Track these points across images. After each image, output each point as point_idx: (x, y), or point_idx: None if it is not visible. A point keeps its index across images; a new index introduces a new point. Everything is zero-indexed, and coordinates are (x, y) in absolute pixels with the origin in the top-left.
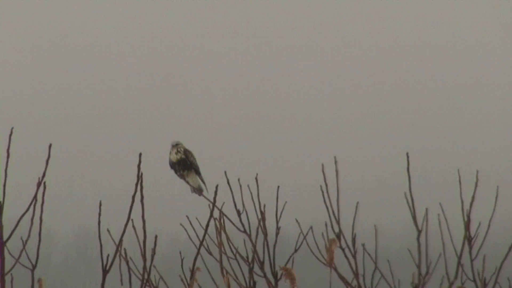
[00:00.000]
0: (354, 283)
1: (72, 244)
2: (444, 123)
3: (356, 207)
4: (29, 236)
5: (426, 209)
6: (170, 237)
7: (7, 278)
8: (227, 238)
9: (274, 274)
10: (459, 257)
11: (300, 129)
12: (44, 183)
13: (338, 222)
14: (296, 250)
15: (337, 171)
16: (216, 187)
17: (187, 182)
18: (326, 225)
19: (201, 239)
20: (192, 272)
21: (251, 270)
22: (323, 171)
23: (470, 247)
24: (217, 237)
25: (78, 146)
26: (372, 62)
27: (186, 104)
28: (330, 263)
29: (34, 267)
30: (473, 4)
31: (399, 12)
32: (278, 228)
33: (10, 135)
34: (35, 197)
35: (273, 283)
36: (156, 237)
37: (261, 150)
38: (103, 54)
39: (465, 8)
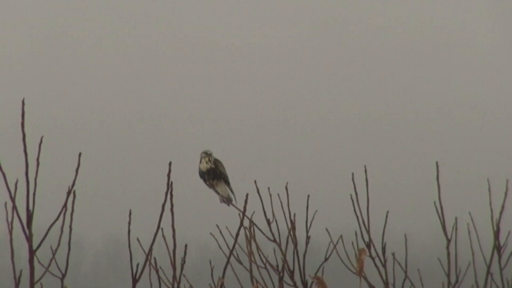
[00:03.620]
0: None
1: (102, 252)
2: (474, 132)
3: (386, 216)
4: (58, 244)
5: (456, 218)
6: (200, 246)
7: (37, 287)
8: (257, 247)
9: (304, 283)
10: (489, 266)
11: (330, 138)
12: (74, 191)
13: (368, 231)
14: (326, 259)
15: (367, 180)
16: (246, 196)
17: (217, 192)
18: (356, 234)
19: (231, 248)
20: (218, 282)
21: (281, 279)
22: (353, 180)
23: (500, 256)
24: (247, 246)
25: (109, 154)
26: (401, 70)
27: (216, 112)
28: (360, 272)
29: (64, 275)
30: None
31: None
32: (308, 237)
33: (40, 143)
34: (65, 205)
35: None
36: (186, 246)
37: (292, 159)
38: (133, 62)
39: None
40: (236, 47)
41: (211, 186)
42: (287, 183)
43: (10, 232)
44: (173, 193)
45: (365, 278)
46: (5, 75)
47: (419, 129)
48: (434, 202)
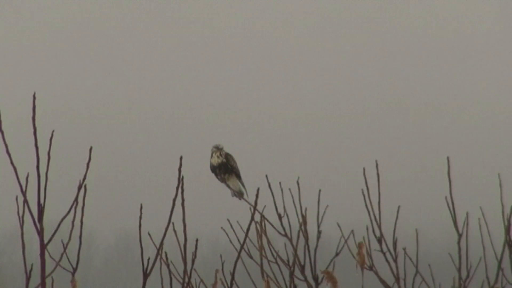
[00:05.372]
0: (395, 287)
1: (113, 247)
2: (486, 127)
3: (397, 211)
4: (69, 239)
5: (467, 213)
6: (210, 241)
7: (48, 281)
8: (268, 241)
9: (315, 278)
10: (500, 261)
11: (342, 133)
12: (85, 186)
13: (379, 226)
14: (337, 254)
15: (378, 175)
16: (257, 190)
17: (228, 186)
18: (367, 228)
19: (242, 242)
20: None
21: (292, 274)
22: (364, 175)
23: (511, 251)
24: (258, 241)
25: (120, 149)
26: (413, 65)
27: (227, 107)
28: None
29: (75, 270)
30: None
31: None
32: (319, 232)
33: (51, 138)
34: (76, 200)
35: (314, 287)
36: (197, 240)
37: (303, 154)
38: (143, 56)
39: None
40: (250, 40)
41: (223, 180)
42: (298, 177)
43: (21, 226)
44: (184, 187)
45: (376, 273)
46: (17, 68)
47: (430, 124)
48: (446, 197)
